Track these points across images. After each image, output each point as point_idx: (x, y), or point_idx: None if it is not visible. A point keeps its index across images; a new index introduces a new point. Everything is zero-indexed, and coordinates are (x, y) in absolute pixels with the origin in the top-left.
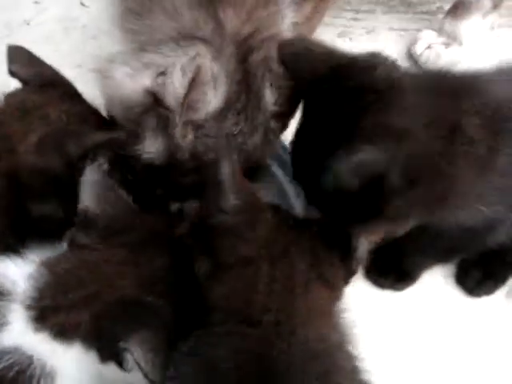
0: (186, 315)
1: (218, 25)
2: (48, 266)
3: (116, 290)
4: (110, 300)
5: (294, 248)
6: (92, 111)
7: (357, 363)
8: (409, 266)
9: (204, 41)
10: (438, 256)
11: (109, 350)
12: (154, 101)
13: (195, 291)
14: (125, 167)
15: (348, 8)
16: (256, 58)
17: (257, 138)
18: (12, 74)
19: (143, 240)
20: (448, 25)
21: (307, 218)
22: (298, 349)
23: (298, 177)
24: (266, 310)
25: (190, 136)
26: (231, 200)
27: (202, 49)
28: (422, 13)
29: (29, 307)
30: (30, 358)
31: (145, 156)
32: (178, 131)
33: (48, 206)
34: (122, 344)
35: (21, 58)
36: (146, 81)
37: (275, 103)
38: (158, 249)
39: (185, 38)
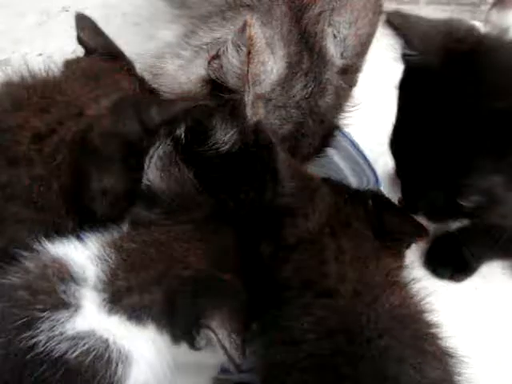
0: (255, 295)
1: None
2: (115, 246)
3: (188, 266)
4: (183, 276)
5: (354, 219)
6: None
7: (439, 330)
8: (468, 257)
9: (249, 7)
10: (499, 250)
11: (182, 329)
12: (215, 88)
13: (262, 272)
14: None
15: None
16: (312, 13)
17: (328, 98)
18: (80, 41)
19: (208, 217)
20: (495, 15)
21: (360, 191)
22: (386, 316)
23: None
24: (341, 279)
25: (262, 110)
26: (287, 182)
27: (248, 17)
28: (466, 4)
29: (101, 290)
30: (106, 341)
31: (221, 149)
32: (248, 110)
33: (110, 178)
34: (203, 322)
35: (89, 27)
36: (200, 70)
37: (342, 56)
38: (224, 227)
39: (231, 8)
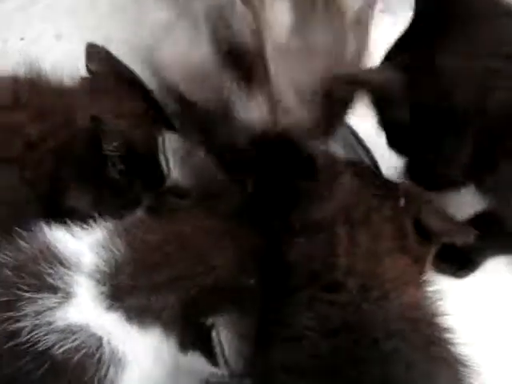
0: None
1: None
2: (124, 236)
3: (211, 269)
4: (204, 282)
5: (376, 213)
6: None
7: (452, 335)
8: (472, 253)
9: None
10: (503, 246)
11: (193, 336)
12: (231, 61)
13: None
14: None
15: None
16: None
17: (350, 46)
18: (90, 72)
19: (235, 209)
20: None
21: (391, 183)
22: (396, 315)
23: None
24: (349, 273)
25: (281, 67)
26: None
27: None
28: None
29: (99, 281)
30: (100, 340)
31: (249, 126)
32: (272, 69)
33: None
34: (208, 321)
35: (98, 56)
36: (205, 44)
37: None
38: (251, 220)
39: None
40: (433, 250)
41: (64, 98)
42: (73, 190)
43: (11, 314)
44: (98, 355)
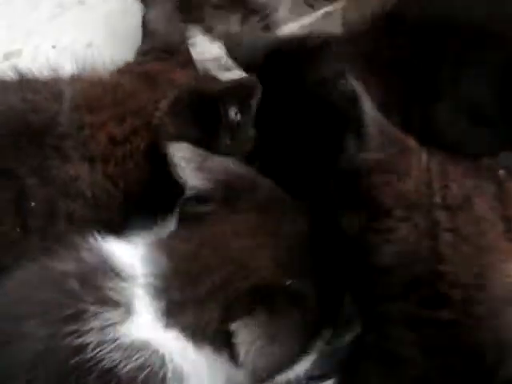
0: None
1: None
2: (165, 249)
3: (250, 273)
4: (243, 288)
5: (476, 195)
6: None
7: None
8: None
9: None
10: None
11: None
12: None
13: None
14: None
15: None
16: None
17: None
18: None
19: (270, 200)
20: None
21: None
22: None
23: None
24: (455, 280)
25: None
26: (375, 137)
27: None
28: None
29: (155, 296)
30: (162, 358)
31: None
32: None
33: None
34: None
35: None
36: None
37: None
38: (290, 213)
39: None
40: None
41: (130, 96)
42: None
43: (76, 327)
44: (161, 374)
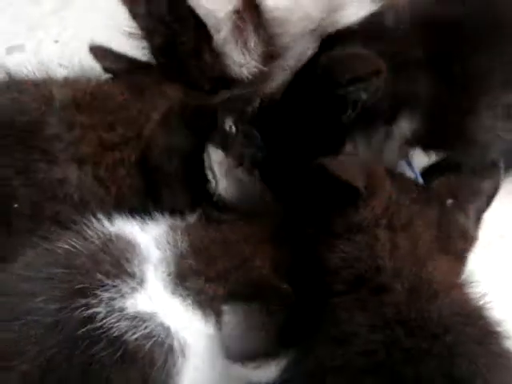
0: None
1: None
2: (188, 234)
3: (252, 268)
4: (246, 277)
5: (418, 219)
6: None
7: (504, 329)
8: None
9: None
10: None
11: None
12: None
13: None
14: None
15: None
16: None
17: None
18: (106, 70)
19: (280, 225)
20: None
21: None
22: (449, 311)
23: None
24: (396, 275)
25: None
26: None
27: None
28: None
29: (165, 271)
30: (168, 329)
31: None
32: None
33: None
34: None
35: (106, 54)
36: None
37: None
38: (290, 234)
39: None
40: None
41: (121, 105)
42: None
43: (86, 300)
44: (167, 344)
